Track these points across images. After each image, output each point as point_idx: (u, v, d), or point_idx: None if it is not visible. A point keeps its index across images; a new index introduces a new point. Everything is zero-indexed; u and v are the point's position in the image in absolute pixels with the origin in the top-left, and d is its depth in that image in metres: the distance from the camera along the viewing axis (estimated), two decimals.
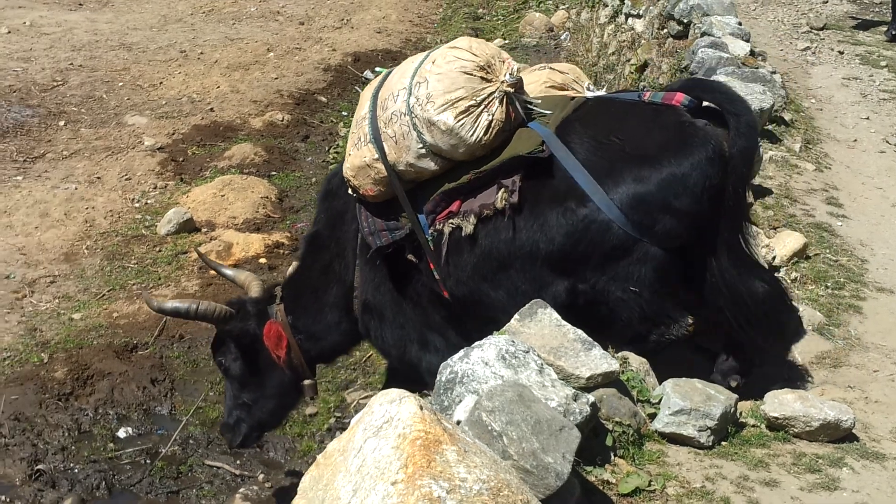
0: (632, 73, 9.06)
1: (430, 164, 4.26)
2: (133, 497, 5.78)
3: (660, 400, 3.88)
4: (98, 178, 9.99)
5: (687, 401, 3.79)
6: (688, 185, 3.97)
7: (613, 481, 3.43)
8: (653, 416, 3.86)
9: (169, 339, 7.37)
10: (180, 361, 7.12)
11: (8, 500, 5.62)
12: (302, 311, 5.02)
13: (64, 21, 15.50)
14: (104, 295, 7.92)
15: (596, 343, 3.73)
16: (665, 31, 8.91)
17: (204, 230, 8.97)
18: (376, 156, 4.31)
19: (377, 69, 13.58)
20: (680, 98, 4.12)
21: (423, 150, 4.23)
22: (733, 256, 4.14)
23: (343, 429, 3.58)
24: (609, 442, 3.57)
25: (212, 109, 11.86)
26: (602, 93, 4.62)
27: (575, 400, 3.34)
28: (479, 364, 3.36)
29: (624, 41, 10.38)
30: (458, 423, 2.96)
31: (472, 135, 4.13)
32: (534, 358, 3.45)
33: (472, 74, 4.13)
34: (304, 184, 10.13)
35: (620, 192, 4.03)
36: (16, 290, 7.93)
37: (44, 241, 8.67)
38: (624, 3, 10.66)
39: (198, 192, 9.55)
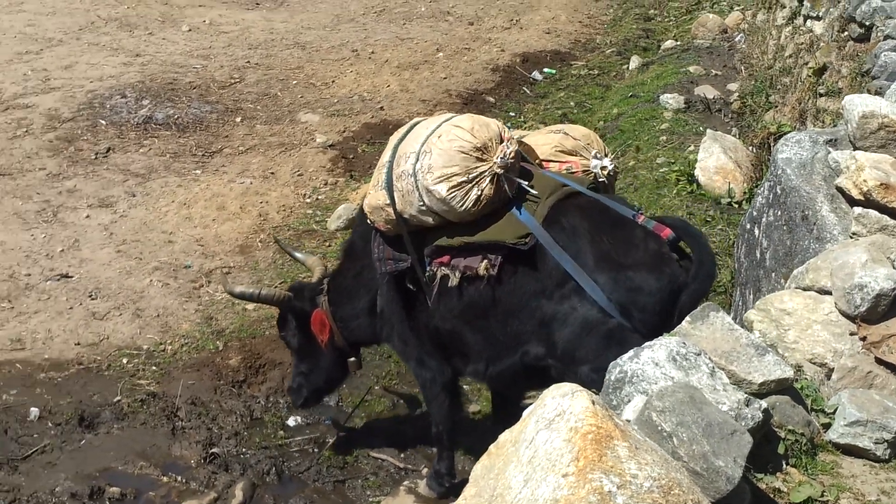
0: (809, 76, 8.78)
1: (428, 219, 4.82)
2: (301, 484, 5.95)
3: (835, 410, 3.77)
4: (272, 173, 10.30)
5: (863, 412, 3.67)
6: (654, 295, 4.52)
7: (785, 490, 3.34)
8: (827, 426, 3.75)
9: None
10: None
11: (184, 480, 5.87)
12: (340, 306, 5.69)
13: (241, 20, 16.03)
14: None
15: (769, 348, 3.67)
16: (845, 33, 8.60)
17: None
18: (388, 202, 4.88)
19: (545, 70, 13.62)
20: (668, 233, 4.58)
21: (423, 208, 4.77)
22: None
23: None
24: (781, 450, 3.49)
25: (382, 108, 12.08)
26: (608, 163, 5.10)
27: (747, 405, 3.28)
28: (650, 364, 3.34)
29: (801, 44, 10.07)
30: (628, 422, 2.95)
31: (461, 206, 4.66)
32: (705, 361, 3.40)
33: (468, 154, 4.62)
34: None
35: (602, 282, 4.53)
36: (193, 279, 8.25)
37: (220, 234, 8.99)
38: (803, 5, 10.34)
39: (367, 188, 9.70)
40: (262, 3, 17.21)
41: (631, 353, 3.42)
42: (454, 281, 4.84)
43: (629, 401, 3.24)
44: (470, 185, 4.64)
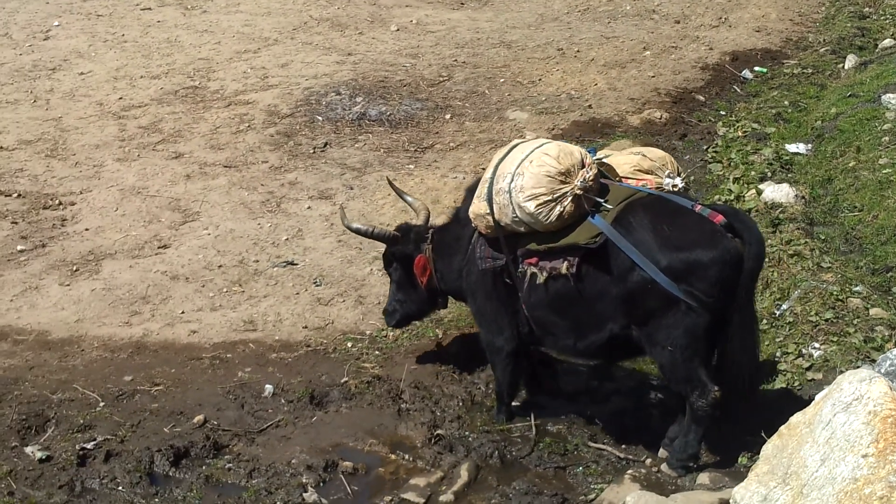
0: None
1: (520, 227, 5.71)
2: (523, 468, 6.04)
3: None
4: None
5: None
6: (711, 266, 5.34)
7: None
8: None
9: None
10: None
11: (411, 459, 6.07)
12: (440, 258, 6.53)
13: (447, 19, 16.33)
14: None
15: None
16: None
17: None
18: (488, 211, 5.76)
19: (756, 68, 13.37)
20: (720, 218, 5.38)
21: (516, 219, 5.68)
22: (745, 332, 5.53)
23: None
24: None
25: (590, 106, 12.10)
26: (680, 181, 5.93)
27: None
28: None
29: None
30: None
31: (546, 220, 5.57)
32: None
33: (553, 178, 5.50)
34: None
35: (665, 261, 5.36)
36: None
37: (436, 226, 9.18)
38: None
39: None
40: (466, 3, 17.47)
41: None
42: (542, 279, 5.73)
43: None
44: (554, 203, 5.54)
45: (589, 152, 5.82)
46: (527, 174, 5.54)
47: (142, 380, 6.87)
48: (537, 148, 5.67)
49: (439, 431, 6.31)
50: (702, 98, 12.48)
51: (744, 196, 9.18)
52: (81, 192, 9.79)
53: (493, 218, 5.74)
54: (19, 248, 8.77)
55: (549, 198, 5.51)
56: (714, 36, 14.89)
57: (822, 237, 8.28)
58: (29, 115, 11.78)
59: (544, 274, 5.72)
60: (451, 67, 13.75)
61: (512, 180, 5.59)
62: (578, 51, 14.31)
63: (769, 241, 8.21)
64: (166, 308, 7.86)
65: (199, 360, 7.17)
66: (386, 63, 13.87)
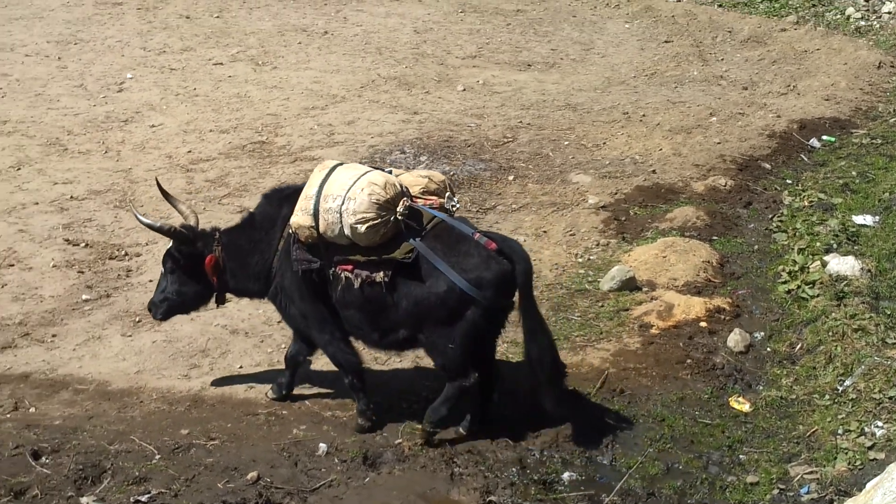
0: None
1: (343, 241, 6.54)
2: None
3: None
4: (544, 231, 10.47)
5: None
6: (490, 281, 6.40)
7: None
8: None
9: (609, 392, 7.56)
10: (621, 415, 7.27)
11: None
12: (231, 258, 7.13)
13: (514, 81, 16.43)
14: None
15: None
16: None
17: (645, 289, 9.13)
18: (313, 225, 6.52)
19: (824, 137, 13.29)
20: (493, 246, 6.43)
21: (342, 235, 6.49)
22: (534, 328, 6.65)
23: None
24: None
25: (654, 171, 12.07)
26: (455, 202, 6.90)
27: None
28: None
29: None
30: None
31: (370, 238, 6.45)
32: None
33: (381, 205, 6.37)
34: (746, 250, 10.04)
35: (461, 273, 6.40)
36: None
37: None
38: None
39: (640, 251, 9.75)
40: (533, 65, 17.58)
41: None
42: (356, 284, 6.57)
43: None
44: (379, 225, 6.40)
45: (385, 172, 6.71)
46: (358, 199, 6.36)
47: (198, 434, 6.91)
48: (363, 175, 6.50)
49: (492, 498, 6.25)
50: (768, 166, 12.40)
51: (808, 267, 9.07)
52: (147, 244, 9.93)
53: (318, 231, 6.53)
54: (84, 297, 8.92)
55: (377, 221, 6.39)
56: (782, 103, 14.82)
57: (888, 312, 8.12)
58: (100, 166, 12.03)
59: (359, 280, 6.57)
60: (516, 129, 13.82)
61: (343, 203, 6.40)
62: (644, 115, 14.31)
63: (833, 314, 8.11)
64: (225, 362, 7.92)
65: (255, 416, 7.20)
66: (451, 123, 13.99)
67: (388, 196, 6.42)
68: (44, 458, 6.51)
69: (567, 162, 12.57)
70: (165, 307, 7.35)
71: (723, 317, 8.62)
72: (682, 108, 14.64)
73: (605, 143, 13.20)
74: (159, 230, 7.09)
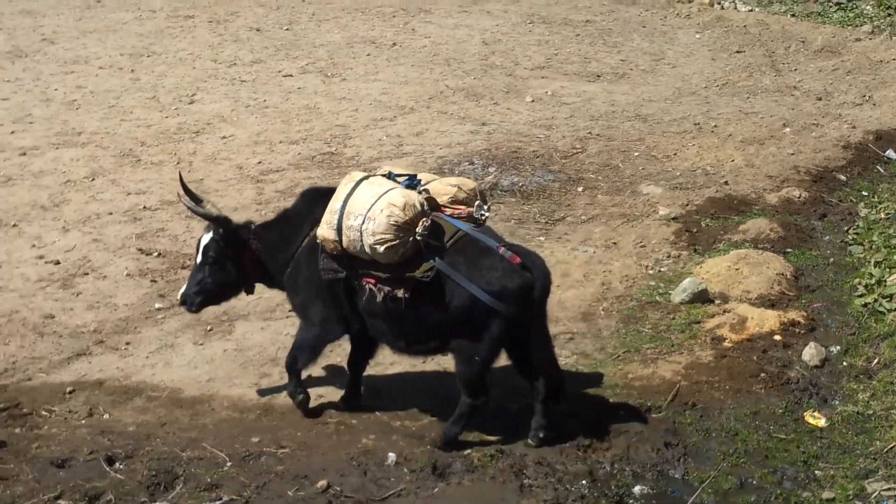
0: None
1: (365, 256, 6.63)
2: None
3: None
4: (614, 243, 10.38)
5: None
6: (513, 293, 6.45)
7: None
8: None
9: (682, 405, 7.43)
10: (693, 429, 7.15)
11: None
12: (266, 252, 7.30)
13: (583, 92, 16.37)
14: (619, 356, 8.18)
15: None
16: None
17: (717, 302, 9.00)
18: (336, 239, 6.64)
19: None
20: (517, 260, 6.47)
21: (363, 252, 6.58)
22: (541, 337, 6.75)
23: None
24: None
25: (726, 182, 11.93)
26: (486, 211, 6.98)
27: None
28: None
29: None
30: None
31: (389, 257, 6.53)
32: None
33: (400, 227, 6.43)
34: (821, 263, 9.87)
35: (482, 287, 6.47)
36: None
37: (564, 300, 9.13)
38: None
39: (711, 263, 9.62)
40: (602, 76, 17.51)
41: None
42: (379, 297, 6.67)
43: None
44: (398, 245, 6.46)
45: (414, 182, 6.85)
46: (377, 220, 6.45)
47: (268, 441, 6.93)
48: (384, 195, 6.57)
49: None
50: (843, 178, 12.19)
51: (885, 281, 8.88)
52: None
53: (342, 245, 6.65)
54: (157, 306, 9.03)
55: (395, 243, 6.46)
56: (857, 114, 14.58)
57: None
58: (172, 177, 12.17)
59: (382, 294, 6.66)
60: (585, 140, 13.75)
61: (363, 222, 6.50)
62: (716, 126, 14.17)
63: None
64: None
65: (324, 425, 7.21)
66: (520, 134, 13.96)
67: (407, 217, 6.46)
68: (118, 464, 6.57)
69: (637, 173, 12.47)
70: (202, 298, 7.40)
71: (797, 330, 8.46)
72: (755, 119, 14.46)
73: (675, 154, 13.08)
74: (207, 216, 7.21)
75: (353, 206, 6.59)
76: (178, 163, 12.72)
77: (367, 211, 6.50)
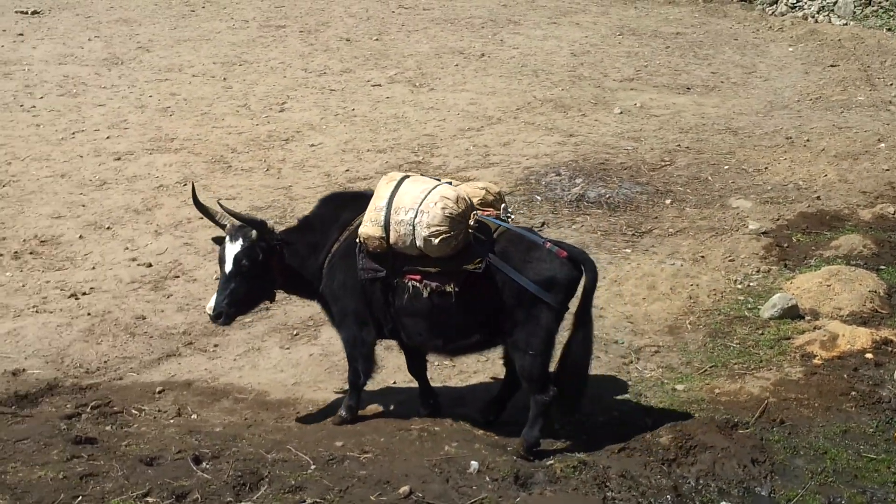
0: None
1: (413, 251, 6.72)
2: None
3: None
4: (702, 256, 10.26)
5: None
6: (562, 284, 6.67)
7: None
8: None
9: (770, 421, 7.30)
10: (780, 446, 7.01)
11: None
12: (293, 259, 7.26)
13: (672, 104, 16.21)
14: (706, 370, 8.08)
15: None
16: None
17: (807, 318, 8.84)
18: (384, 235, 6.71)
19: None
20: (564, 254, 6.67)
21: (415, 246, 6.68)
22: (585, 331, 6.84)
23: None
24: None
25: (818, 197, 11.72)
26: (510, 212, 7.09)
27: None
28: None
29: None
30: None
31: (442, 250, 6.62)
32: None
33: (454, 218, 6.56)
34: None
35: (531, 278, 6.64)
36: (623, 355, 8.36)
37: (650, 313, 9.05)
38: None
39: (802, 279, 9.44)
40: (693, 88, 17.32)
41: None
42: (425, 294, 6.76)
43: None
44: (450, 238, 6.57)
45: (447, 184, 6.87)
46: (431, 213, 6.54)
47: (352, 446, 6.97)
48: (434, 189, 6.68)
49: None
50: None
51: None
52: None
53: (388, 241, 6.72)
54: None
55: (450, 234, 6.57)
56: None
57: None
58: (261, 183, 12.36)
59: (427, 290, 6.75)
60: (674, 152, 13.62)
61: (416, 216, 6.58)
62: (808, 140, 13.93)
63: None
64: (379, 377, 7.96)
65: (407, 431, 7.23)
66: (607, 145, 13.88)
67: (461, 209, 6.61)
68: (204, 464, 6.65)
69: (727, 186, 12.31)
70: (235, 309, 7.16)
71: (890, 349, 8.25)
72: (849, 134, 14.18)
73: (766, 168, 12.89)
74: (245, 220, 7.12)
75: (402, 201, 6.69)
76: (267, 169, 12.90)
77: (419, 205, 6.61)
